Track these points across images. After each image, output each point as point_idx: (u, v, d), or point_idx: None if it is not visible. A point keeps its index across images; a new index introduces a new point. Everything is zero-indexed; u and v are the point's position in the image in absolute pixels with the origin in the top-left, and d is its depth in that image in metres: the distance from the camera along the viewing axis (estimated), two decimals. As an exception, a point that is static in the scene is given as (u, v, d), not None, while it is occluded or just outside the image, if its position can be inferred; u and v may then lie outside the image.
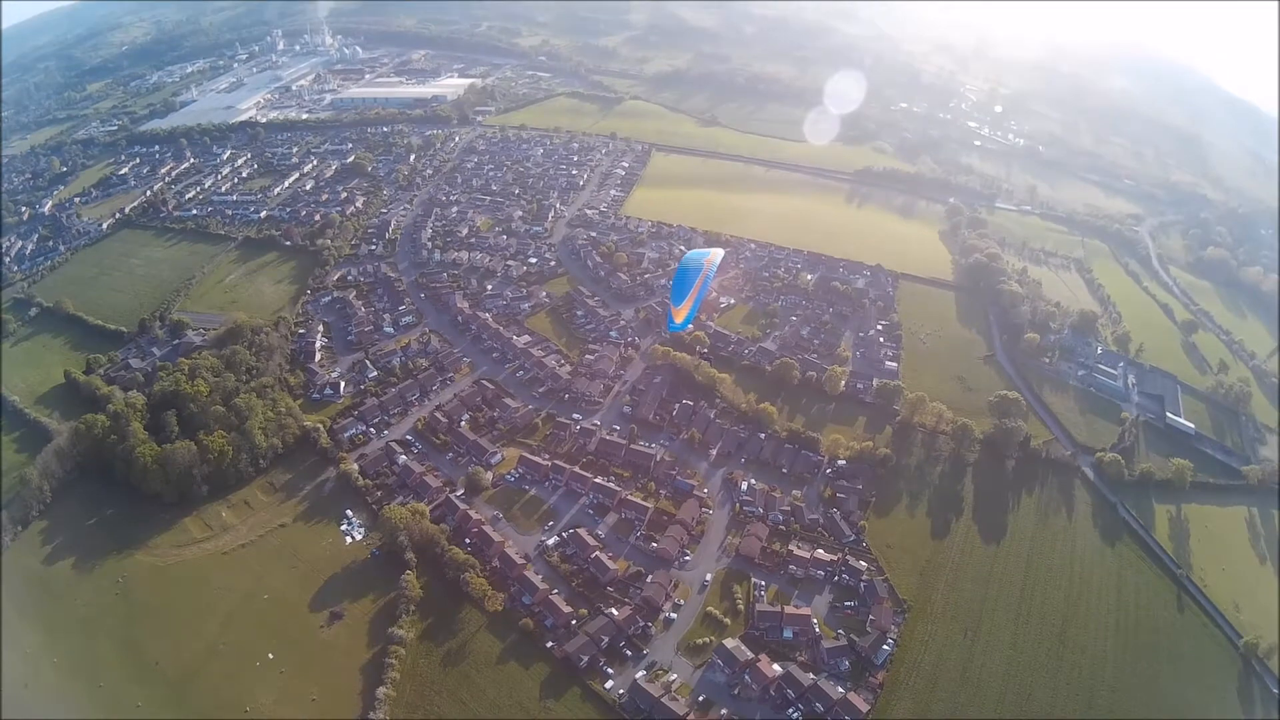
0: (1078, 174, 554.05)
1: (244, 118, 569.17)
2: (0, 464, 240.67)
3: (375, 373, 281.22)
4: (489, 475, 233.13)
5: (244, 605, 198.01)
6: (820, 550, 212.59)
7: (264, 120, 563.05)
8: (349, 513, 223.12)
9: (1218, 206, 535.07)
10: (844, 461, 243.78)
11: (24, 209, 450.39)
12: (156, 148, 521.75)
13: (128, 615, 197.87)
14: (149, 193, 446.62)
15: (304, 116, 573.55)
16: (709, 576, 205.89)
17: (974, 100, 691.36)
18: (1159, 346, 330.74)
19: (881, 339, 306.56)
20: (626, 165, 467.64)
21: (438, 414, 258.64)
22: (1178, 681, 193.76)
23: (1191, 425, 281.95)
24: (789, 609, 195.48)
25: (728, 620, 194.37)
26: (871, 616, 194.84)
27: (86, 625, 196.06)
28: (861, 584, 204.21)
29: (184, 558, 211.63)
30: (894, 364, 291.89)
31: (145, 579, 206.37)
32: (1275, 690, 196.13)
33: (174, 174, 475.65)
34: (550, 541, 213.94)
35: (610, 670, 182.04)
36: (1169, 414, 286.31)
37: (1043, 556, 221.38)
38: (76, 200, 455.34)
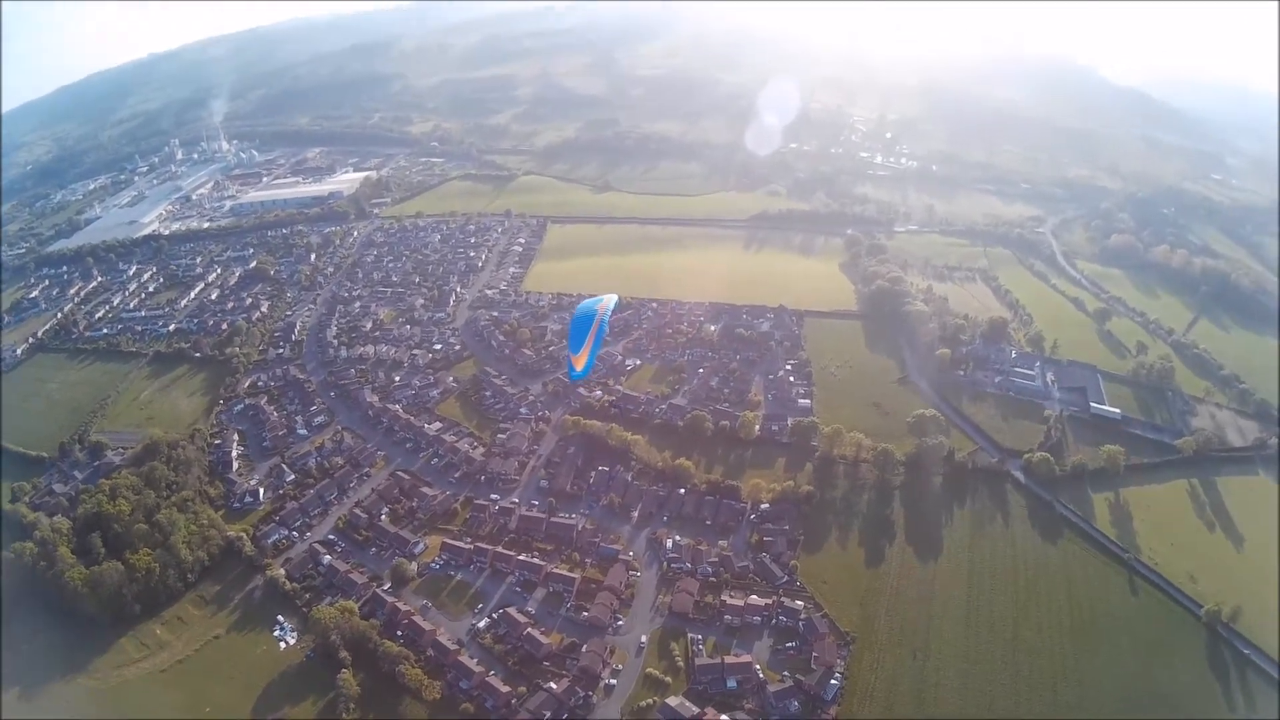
0: (974, 186, 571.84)
1: (147, 231, 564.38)
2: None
3: (292, 476, 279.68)
4: (413, 565, 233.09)
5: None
6: (754, 596, 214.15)
7: (167, 232, 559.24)
8: (280, 618, 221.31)
9: (1117, 194, 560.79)
10: (767, 505, 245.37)
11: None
12: (64, 268, 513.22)
13: None
14: (60, 314, 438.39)
15: (205, 225, 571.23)
16: (644, 638, 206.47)
17: (864, 131, 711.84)
18: (1075, 340, 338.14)
19: (792, 378, 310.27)
20: (523, 241, 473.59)
21: (357, 510, 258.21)
22: (1142, 662, 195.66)
23: (1117, 410, 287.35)
24: (729, 659, 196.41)
25: (669, 679, 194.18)
26: (815, 654, 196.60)
27: None
28: (800, 623, 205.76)
29: (124, 678, 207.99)
30: (807, 401, 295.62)
31: (88, 703, 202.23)
32: (1246, 651, 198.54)
33: (83, 293, 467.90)
34: (481, 624, 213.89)
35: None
36: (1093, 404, 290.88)
37: (984, 566, 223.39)
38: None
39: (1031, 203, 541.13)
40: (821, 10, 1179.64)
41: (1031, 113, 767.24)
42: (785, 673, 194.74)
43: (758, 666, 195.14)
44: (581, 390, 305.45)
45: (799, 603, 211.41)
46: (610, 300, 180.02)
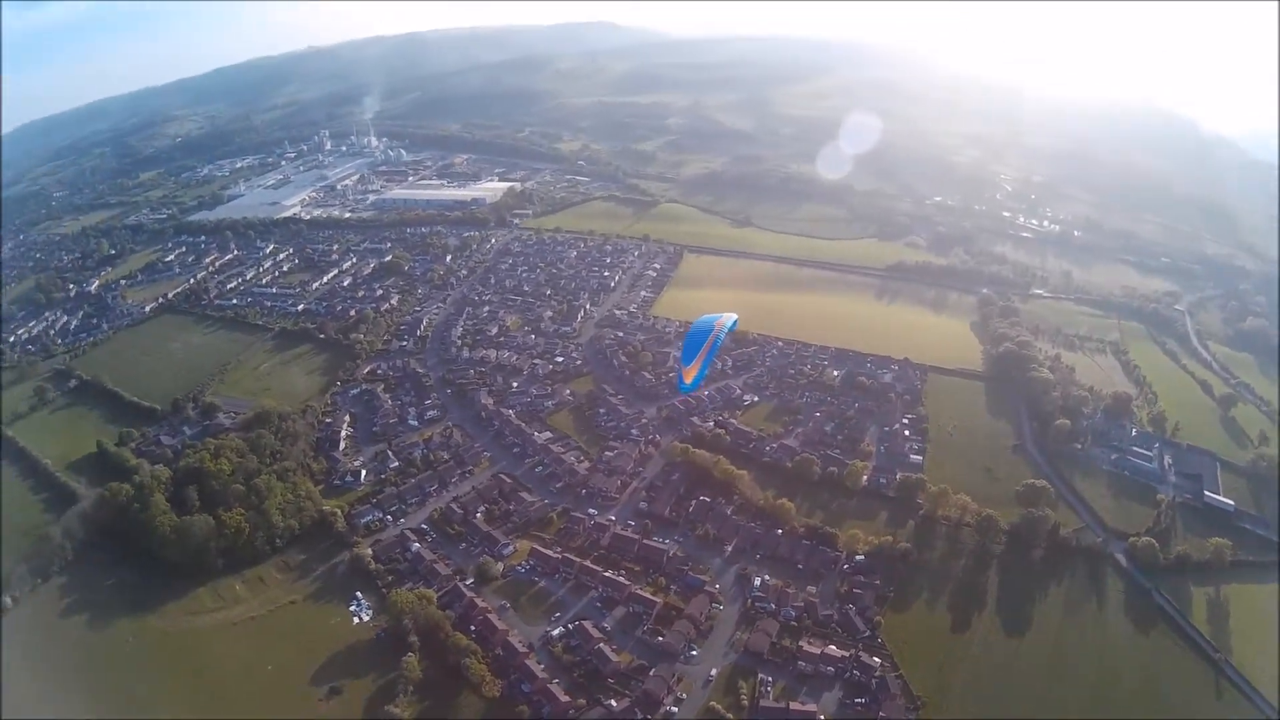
0: (1113, 256, 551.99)
1: (288, 214, 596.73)
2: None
3: (396, 463, 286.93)
4: (499, 566, 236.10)
5: (246, 673, 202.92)
6: (832, 646, 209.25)
7: (307, 217, 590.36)
8: (359, 595, 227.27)
9: (1254, 276, 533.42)
10: (862, 557, 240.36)
11: (71, 286, 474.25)
12: (202, 238, 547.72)
13: (133, 672, 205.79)
14: (192, 280, 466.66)
15: (346, 215, 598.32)
16: (714, 672, 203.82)
17: (1009, 190, 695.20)
18: (1197, 424, 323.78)
19: (906, 432, 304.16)
20: (658, 267, 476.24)
21: (454, 505, 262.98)
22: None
23: (1231, 502, 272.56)
24: (794, 705, 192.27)
25: (730, 716, 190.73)
26: (882, 714, 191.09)
27: (91, 676, 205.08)
28: (873, 680, 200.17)
29: (194, 625, 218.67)
30: (919, 457, 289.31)
31: (153, 641, 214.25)
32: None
33: (218, 264, 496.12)
34: (555, 632, 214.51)
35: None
36: (1207, 493, 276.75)
37: (1070, 648, 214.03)
38: (122, 283, 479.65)
39: (1169, 277, 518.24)
40: (974, 68, 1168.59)
41: (1173, 183, 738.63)
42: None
43: (822, 717, 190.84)
44: (695, 420, 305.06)
45: (876, 659, 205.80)
46: (728, 319, 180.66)
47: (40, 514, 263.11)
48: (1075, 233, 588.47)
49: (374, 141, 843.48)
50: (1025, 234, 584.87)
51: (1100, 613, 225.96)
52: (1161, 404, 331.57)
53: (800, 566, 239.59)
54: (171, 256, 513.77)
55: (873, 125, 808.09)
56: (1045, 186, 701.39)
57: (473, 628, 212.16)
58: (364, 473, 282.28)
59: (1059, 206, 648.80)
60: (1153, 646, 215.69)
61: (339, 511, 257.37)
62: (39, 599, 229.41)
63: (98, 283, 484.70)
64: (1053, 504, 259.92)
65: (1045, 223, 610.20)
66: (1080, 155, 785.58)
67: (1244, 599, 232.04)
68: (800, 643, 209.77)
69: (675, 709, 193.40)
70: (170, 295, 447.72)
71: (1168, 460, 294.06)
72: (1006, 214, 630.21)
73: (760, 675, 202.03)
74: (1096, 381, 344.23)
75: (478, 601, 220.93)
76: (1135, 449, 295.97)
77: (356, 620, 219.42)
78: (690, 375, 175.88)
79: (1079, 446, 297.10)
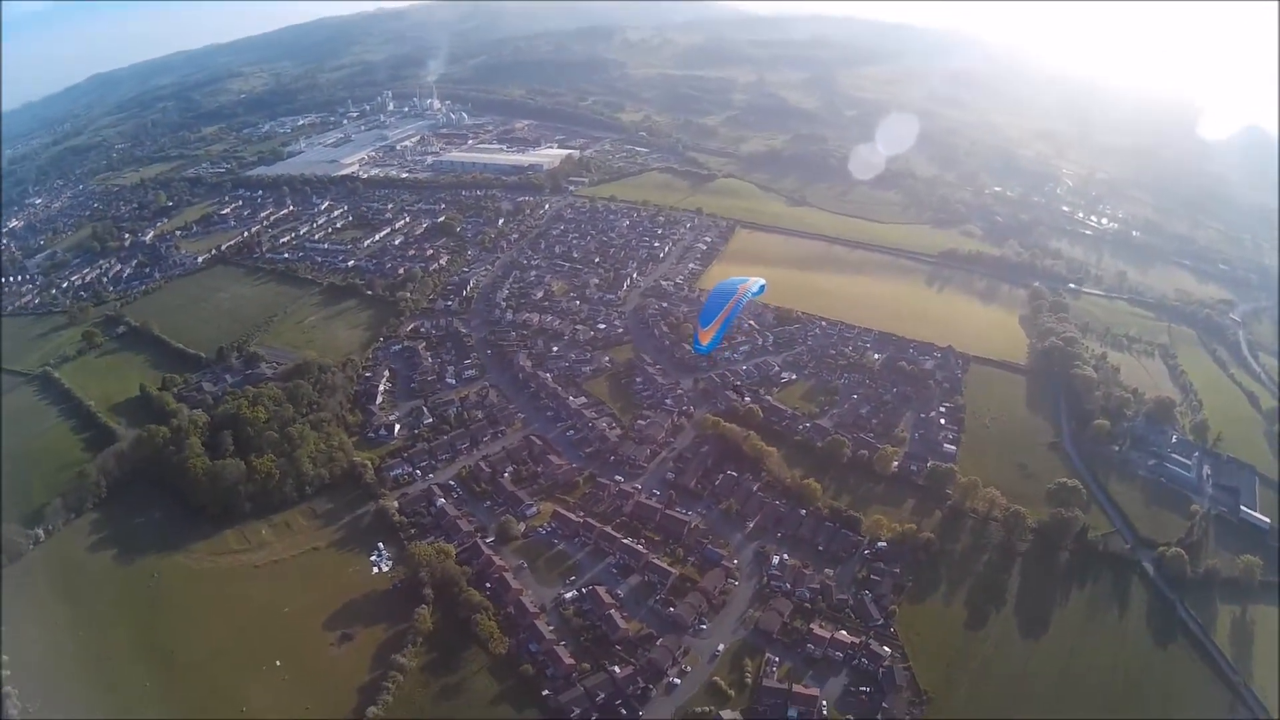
0: (1170, 259, 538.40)
1: (346, 172, 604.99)
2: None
3: (430, 420, 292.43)
4: (521, 526, 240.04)
5: (263, 614, 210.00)
6: (843, 631, 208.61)
7: (365, 176, 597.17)
8: (380, 545, 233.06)
9: None
10: (884, 543, 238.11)
11: (126, 235, 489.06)
12: (259, 193, 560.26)
13: (153, 605, 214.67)
14: (246, 234, 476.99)
15: (403, 176, 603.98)
16: (721, 647, 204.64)
17: (1070, 185, 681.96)
18: (1241, 436, 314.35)
19: (942, 420, 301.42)
20: (709, 240, 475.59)
21: (482, 464, 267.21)
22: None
23: (1267, 520, 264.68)
24: (798, 688, 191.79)
25: (732, 692, 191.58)
26: (885, 704, 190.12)
27: (114, 608, 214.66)
28: (881, 670, 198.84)
29: (217, 565, 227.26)
30: (952, 447, 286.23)
31: (177, 577, 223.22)
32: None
33: (272, 219, 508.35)
34: (568, 595, 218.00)
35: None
36: (1244, 507, 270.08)
37: (1085, 655, 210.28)
38: (177, 234, 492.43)
39: (1226, 285, 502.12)
40: (1052, 61, 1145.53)
41: (1240, 191, 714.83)
42: (850, 716, 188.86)
43: (824, 703, 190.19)
44: (730, 394, 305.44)
45: (886, 649, 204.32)
46: (754, 283, 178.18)
47: (80, 452, 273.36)
48: (1134, 232, 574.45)
49: (436, 104, 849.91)
50: (1084, 230, 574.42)
51: (1121, 622, 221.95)
52: (1205, 412, 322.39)
53: (821, 548, 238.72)
54: (227, 210, 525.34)
55: (940, 113, 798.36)
56: (1108, 184, 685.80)
57: (488, 585, 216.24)
58: (398, 427, 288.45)
59: (1120, 205, 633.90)
60: (1169, 661, 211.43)
61: (369, 463, 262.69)
62: (71, 532, 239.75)
63: (153, 233, 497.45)
64: (1084, 506, 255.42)
65: (1104, 220, 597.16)
66: (1148, 154, 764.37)
67: (1271, 621, 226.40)
68: (811, 625, 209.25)
69: (678, 680, 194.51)
70: (223, 247, 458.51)
71: (1206, 471, 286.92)
72: (1066, 209, 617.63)
73: (767, 654, 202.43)
74: (1141, 384, 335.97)
75: (495, 559, 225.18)
76: (1174, 456, 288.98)
77: (376, 570, 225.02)
78: (707, 338, 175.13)
79: (1117, 449, 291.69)
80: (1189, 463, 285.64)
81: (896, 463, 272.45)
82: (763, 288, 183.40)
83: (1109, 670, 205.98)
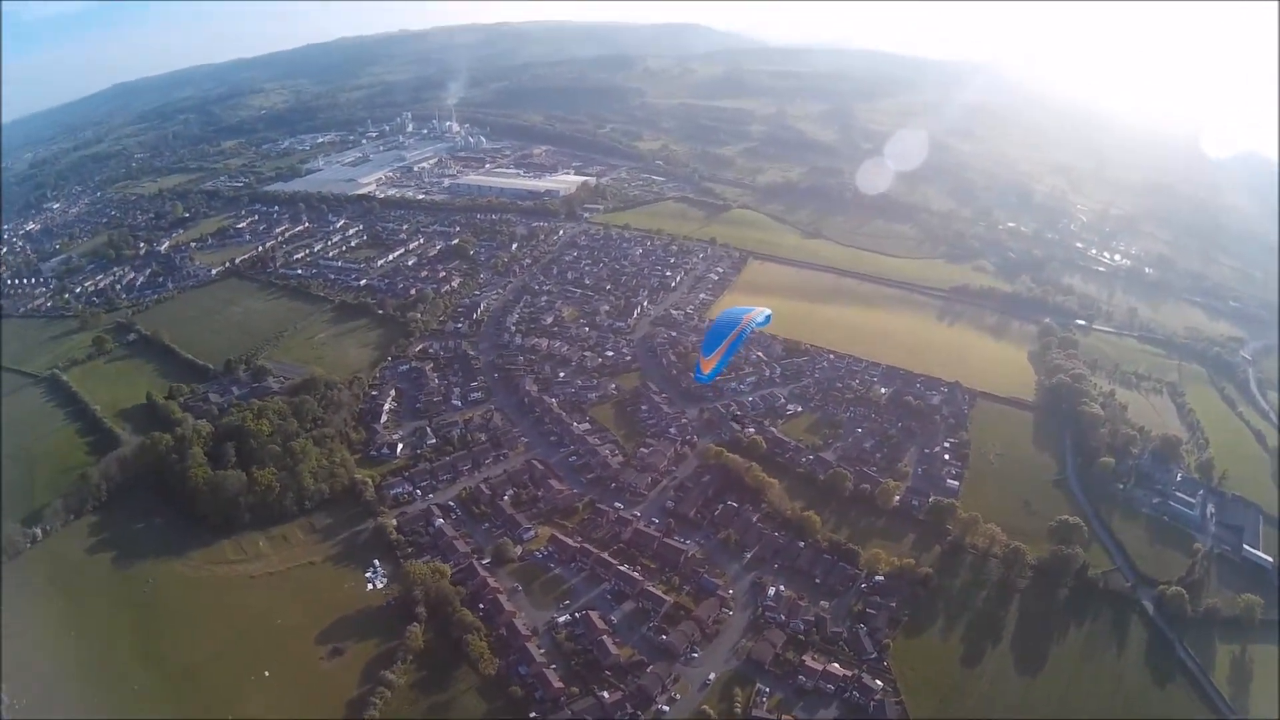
0: (1182, 295, 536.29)
1: (363, 191, 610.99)
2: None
3: (434, 440, 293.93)
4: (518, 549, 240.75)
5: (256, 624, 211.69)
6: (835, 664, 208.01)
7: (381, 196, 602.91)
8: (376, 563, 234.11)
9: None
10: (881, 577, 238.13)
11: (142, 244, 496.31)
12: (276, 208, 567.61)
13: (147, 610, 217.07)
14: (261, 248, 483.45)
15: (419, 197, 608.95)
16: (712, 676, 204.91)
17: (1084, 221, 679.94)
18: (1246, 475, 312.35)
19: (947, 456, 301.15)
20: (721, 270, 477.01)
21: (483, 486, 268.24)
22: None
23: (1270, 559, 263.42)
24: (787, 718, 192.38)
25: None
26: None
27: (108, 610, 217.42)
28: (872, 704, 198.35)
29: (214, 574, 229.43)
30: (955, 482, 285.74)
31: (173, 584, 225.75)
32: None
33: (288, 234, 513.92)
34: (561, 619, 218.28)
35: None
36: (1247, 546, 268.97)
37: (1081, 694, 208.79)
38: (193, 245, 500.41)
39: (1237, 322, 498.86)
40: (1068, 94, 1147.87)
41: (1254, 227, 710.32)
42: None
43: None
44: (734, 425, 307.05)
45: (878, 683, 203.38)
46: (759, 313, 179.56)
47: (83, 455, 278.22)
48: (1146, 269, 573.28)
49: (455, 127, 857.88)
50: (1097, 267, 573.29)
51: (1119, 661, 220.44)
52: (1211, 450, 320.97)
53: (818, 580, 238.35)
54: (244, 224, 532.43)
55: (955, 147, 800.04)
56: (1122, 219, 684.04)
57: (481, 606, 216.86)
58: (401, 446, 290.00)
59: (1133, 241, 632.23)
60: (1167, 700, 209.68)
61: (370, 481, 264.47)
62: (69, 533, 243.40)
63: (169, 243, 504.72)
64: (1085, 543, 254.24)
65: (1117, 256, 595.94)
66: (1161, 190, 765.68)
67: (1270, 661, 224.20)
68: (804, 657, 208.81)
69: (667, 708, 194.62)
70: (237, 261, 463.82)
71: (1210, 509, 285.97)
72: (1079, 245, 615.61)
73: (759, 685, 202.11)
74: (1148, 421, 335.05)
75: (490, 581, 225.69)
76: (1178, 494, 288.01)
77: (370, 587, 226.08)
78: (709, 366, 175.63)
79: (1122, 486, 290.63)
80: (1193, 501, 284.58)
81: (898, 497, 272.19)
82: (768, 318, 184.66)
83: (1105, 709, 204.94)
